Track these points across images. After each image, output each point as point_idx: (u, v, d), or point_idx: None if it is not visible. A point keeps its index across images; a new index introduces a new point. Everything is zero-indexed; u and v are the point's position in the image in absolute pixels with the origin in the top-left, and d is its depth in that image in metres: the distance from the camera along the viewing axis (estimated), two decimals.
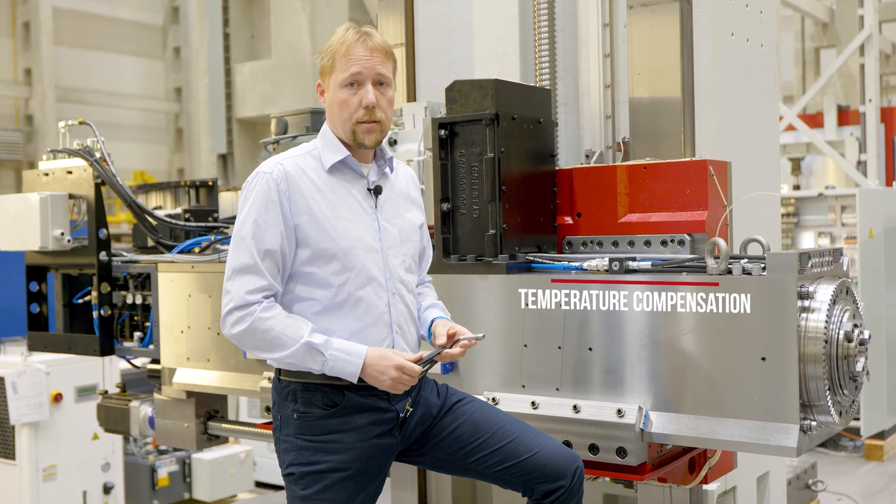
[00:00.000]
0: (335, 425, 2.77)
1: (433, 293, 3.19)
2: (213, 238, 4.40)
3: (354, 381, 2.72)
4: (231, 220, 4.67)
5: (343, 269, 2.76)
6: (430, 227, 3.37)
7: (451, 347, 2.85)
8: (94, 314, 4.59)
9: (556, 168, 3.67)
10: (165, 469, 7.64)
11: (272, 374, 3.84)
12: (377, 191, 2.88)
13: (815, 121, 11.00)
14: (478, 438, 2.90)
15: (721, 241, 2.89)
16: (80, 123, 4.77)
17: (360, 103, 2.79)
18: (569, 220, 3.64)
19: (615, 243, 3.51)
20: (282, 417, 2.84)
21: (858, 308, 2.97)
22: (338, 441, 2.77)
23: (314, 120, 4.02)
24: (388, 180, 2.94)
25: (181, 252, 4.41)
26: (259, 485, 8.39)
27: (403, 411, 2.85)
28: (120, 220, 16.88)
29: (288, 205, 2.73)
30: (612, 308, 3.08)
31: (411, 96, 4.54)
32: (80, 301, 4.74)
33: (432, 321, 2.99)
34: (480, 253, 3.42)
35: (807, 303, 2.78)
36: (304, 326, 2.71)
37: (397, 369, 2.70)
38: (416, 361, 2.76)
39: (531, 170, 3.53)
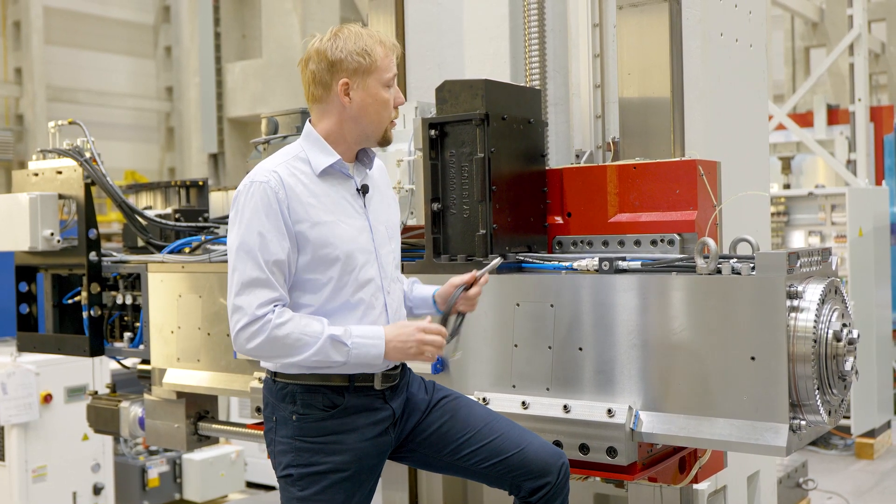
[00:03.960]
0: (335, 426, 2.76)
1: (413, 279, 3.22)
2: (203, 238, 4.39)
3: (380, 363, 2.72)
4: (222, 220, 4.66)
5: (343, 273, 2.75)
6: (420, 227, 3.38)
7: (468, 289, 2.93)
8: (84, 314, 4.58)
9: (547, 168, 3.67)
10: (156, 470, 7.62)
11: (263, 375, 3.84)
12: (364, 190, 2.88)
13: (805, 120, 11.01)
14: (464, 435, 2.91)
15: (710, 241, 2.89)
16: (71, 123, 4.75)
17: (393, 103, 2.85)
18: (559, 219, 3.64)
19: (605, 243, 3.51)
20: (277, 419, 2.82)
21: (847, 307, 2.98)
22: (338, 442, 2.77)
23: (304, 120, 4.01)
24: (369, 177, 2.94)
25: (171, 252, 4.40)
26: (250, 485, 8.38)
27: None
28: (110, 220, 16.85)
29: (287, 213, 2.70)
30: (602, 308, 3.08)
31: None
32: (70, 301, 4.73)
33: (433, 294, 3.06)
34: (471, 253, 3.42)
35: (796, 302, 2.79)
36: (319, 322, 2.69)
37: (420, 331, 2.71)
38: (443, 320, 2.80)
39: (521, 170, 3.53)
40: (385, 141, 2.89)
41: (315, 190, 2.77)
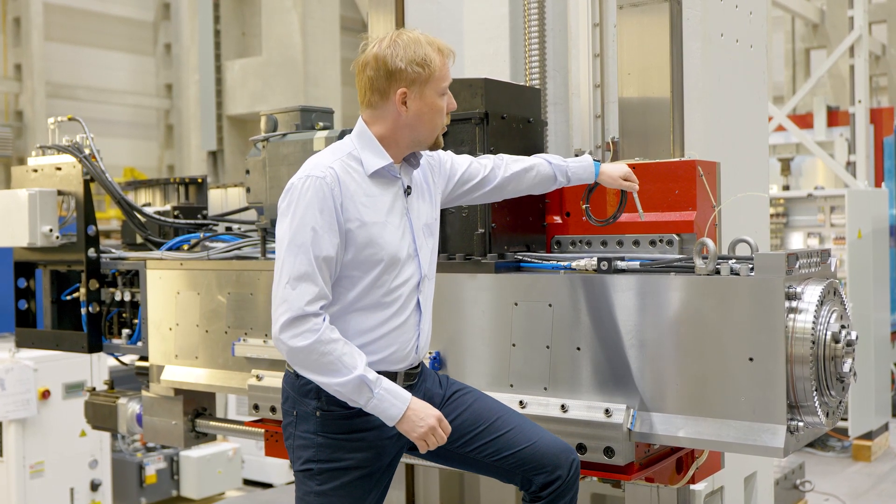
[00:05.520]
0: (359, 424, 2.78)
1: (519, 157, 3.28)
2: (201, 235, 4.39)
3: (392, 424, 2.71)
4: (220, 218, 4.66)
5: (382, 273, 2.77)
6: None
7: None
8: (83, 311, 4.58)
9: None
10: (153, 466, 7.63)
11: (260, 373, 3.85)
12: (408, 191, 2.89)
13: (804, 121, 10.99)
14: (477, 427, 2.92)
15: (709, 242, 2.89)
16: (70, 119, 4.75)
17: (447, 110, 2.87)
18: (558, 219, 3.65)
19: (604, 243, 3.52)
20: (298, 413, 2.83)
21: (846, 309, 2.98)
22: (361, 439, 2.79)
23: (304, 118, 4.02)
24: (413, 177, 2.95)
25: (170, 249, 4.40)
26: (247, 482, 8.38)
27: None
28: (109, 217, 16.86)
29: (340, 210, 2.71)
30: (600, 308, 3.08)
31: None
32: (69, 298, 4.73)
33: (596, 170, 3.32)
34: (469, 252, 3.43)
35: (794, 303, 2.79)
36: (359, 357, 2.69)
37: (438, 421, 2.72)
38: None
39: None
40: (436, 146, 2.91)
41: (367, 190, 2.78)
